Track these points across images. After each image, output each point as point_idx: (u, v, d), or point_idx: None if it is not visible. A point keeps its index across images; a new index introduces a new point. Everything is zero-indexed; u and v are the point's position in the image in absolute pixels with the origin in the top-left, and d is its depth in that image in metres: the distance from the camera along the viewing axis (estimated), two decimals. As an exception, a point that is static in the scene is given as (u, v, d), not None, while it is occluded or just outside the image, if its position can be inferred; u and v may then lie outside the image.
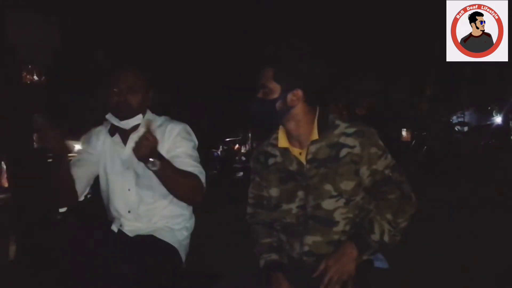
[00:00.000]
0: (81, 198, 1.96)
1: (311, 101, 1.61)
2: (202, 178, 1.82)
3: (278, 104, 1.57)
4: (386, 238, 1.54)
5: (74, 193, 1.91)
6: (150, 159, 1.61)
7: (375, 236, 1.53)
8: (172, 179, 1.73)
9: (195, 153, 1.90)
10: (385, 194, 1.57)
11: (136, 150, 1.60)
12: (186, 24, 8.29)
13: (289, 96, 1.57)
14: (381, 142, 1.59)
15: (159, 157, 1.65)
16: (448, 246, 3.63)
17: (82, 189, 1.94)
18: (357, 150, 1.55)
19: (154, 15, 7.80)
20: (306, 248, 1.60)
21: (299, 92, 1.57)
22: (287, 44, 1.60)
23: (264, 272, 1.62)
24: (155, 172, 1.67)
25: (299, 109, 1.59)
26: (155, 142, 1.60)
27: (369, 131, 1.58)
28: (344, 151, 1.56)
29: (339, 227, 1.57)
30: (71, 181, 1.89)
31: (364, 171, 1.56)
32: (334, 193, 1.56)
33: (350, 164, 1.55)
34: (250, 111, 1.62)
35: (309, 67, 1.58)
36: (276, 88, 1.57)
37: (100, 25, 6.61)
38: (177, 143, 1.88)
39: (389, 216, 1.54)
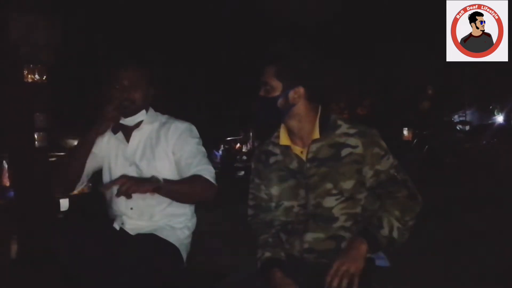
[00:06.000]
0: (76, 190, 1.99)
1: (313, 99, 1.62)
2: (209, 175, 1.80)
3: (279, 102, 1.58)
4: (395, 234, 1.51)
5: (76, 182, 1.93)
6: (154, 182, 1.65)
7: (384, 231, 1.51)
8: (177, 192, 1.77)
9: (201, 149, 1.90)
10: (393, 193, 1.56)
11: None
12: (186, 23, 8.30)
13: (291, 94, 1.58)
14: (383, 143, 1.59)
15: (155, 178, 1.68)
16: (449, 245, 3.63)
17: (81, 181, 1.96)
18: (359, 150, 1.56)
19: (154, 14, 7.81)
20: (306, 245, 1.60)
21: (301, 90, 1.58)
22: (289, 42, 1.62)
23: (261, 271, 1.61)
24: (160, 189, 1.67)
25: (301, 107, 1.60)
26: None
27: (371, 132, 1.59)
28: (345, 151, 1.57)
29: (339, 223, 1.57)
30: (82, 169, 1.91)
31: (367, 171, 1.57)
32: (335, 191, 1.56)
33: (352, 163, 1.56)
34: (252, 109, 1.63)
35: (310, 64, 1.60)
36: (277, 86, 1.58)
37: (102, 24, 6.63)
38: (182, 143, 1.88)
39: (397, 213, 1.52)
